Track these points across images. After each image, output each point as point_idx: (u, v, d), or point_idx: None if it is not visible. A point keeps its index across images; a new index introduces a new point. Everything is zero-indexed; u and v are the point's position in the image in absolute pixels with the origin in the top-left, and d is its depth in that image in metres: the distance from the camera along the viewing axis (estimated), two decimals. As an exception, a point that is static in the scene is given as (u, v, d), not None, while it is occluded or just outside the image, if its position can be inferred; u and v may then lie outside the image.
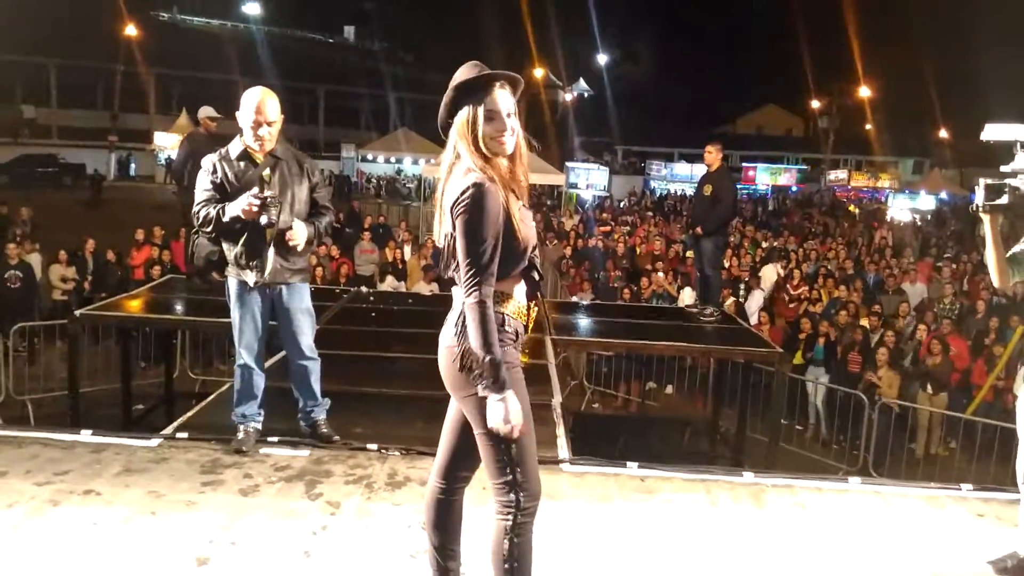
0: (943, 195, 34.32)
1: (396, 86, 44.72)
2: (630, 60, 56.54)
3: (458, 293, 2.15)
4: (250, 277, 3.61)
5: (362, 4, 54.33)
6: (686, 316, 7.81)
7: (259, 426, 3.74)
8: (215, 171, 3.65)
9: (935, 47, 41.12)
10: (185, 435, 3.79)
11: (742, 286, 12.44)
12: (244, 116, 3.62)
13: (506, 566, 2.13)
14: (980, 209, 2.82)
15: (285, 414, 3.89)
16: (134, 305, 6.82)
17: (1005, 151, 2.83)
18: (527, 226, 2.18)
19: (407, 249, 12.77)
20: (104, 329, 8.49)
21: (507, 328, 2.14)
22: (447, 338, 2.18)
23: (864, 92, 42.39)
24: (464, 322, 2.10)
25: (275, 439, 3.76)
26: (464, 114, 2.17)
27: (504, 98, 2.19)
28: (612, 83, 48.86)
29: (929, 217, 31.71)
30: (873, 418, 7.97)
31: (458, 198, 2.09)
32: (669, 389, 10.35)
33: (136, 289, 7.96)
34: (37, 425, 5.30)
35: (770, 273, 13.21)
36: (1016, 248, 2.96)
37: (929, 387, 8.57)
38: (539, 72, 42.22)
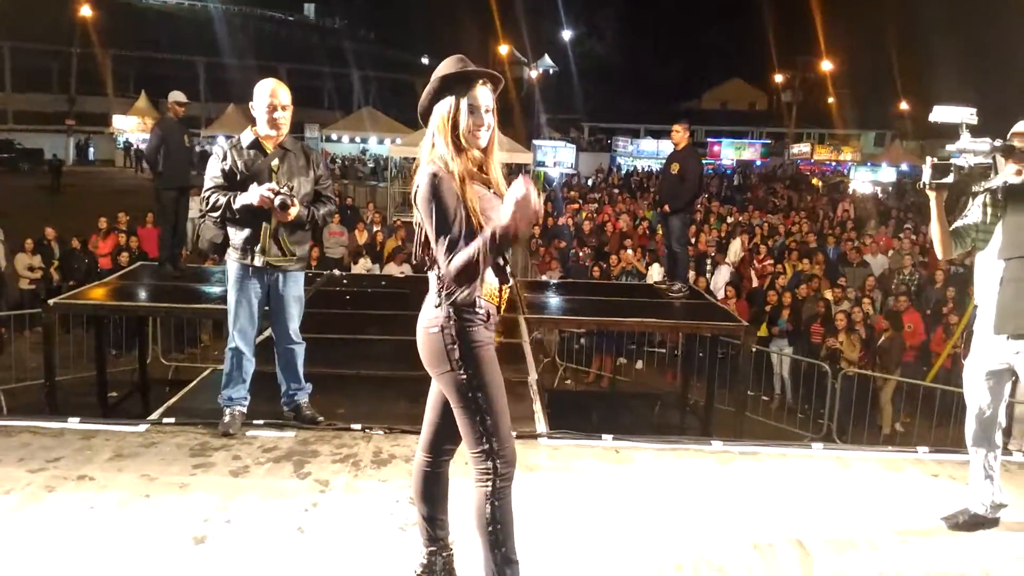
0: (904, 167, 34.95)
1: (359, 64, 44.31)
2: (595, 36, 56.58)
3: (434, 278, 2.28)
4: (258, 259, 3.74)
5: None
6: (655, 292, 8.00)
7: (244, 409, 3.84)
8: (225, 158, 3.78)
9: (896, 20, 41.67)
10: (172, 420, 3.87)
11: (708, 261, 12.69)
12: (259, 103, 3.76)
13: (490, 529, 2.26)
14: (927, 186, 2.99)
15: (267, 397, 3.98)
16: (106, 293, 6.82)
17: (982, 125, 2.99)
18: (493, 214, 2.25)
19: (376, 230, 12.81)
20: (75, 317, 8.45)
21: (478, 309, 2.25)
22: (425, 319, 2.30)
23: (826, 66, 42.92)
24: (444, 305, 2.24)
25: (261, 422, 3.86)
26: (446, 105, 2.28)
27: (485, 95, 2.30)
28: (577, 59, 48.92)
29: (890, 189, 32.37)
30: (836, 387, 8.26)
31: (416, 190, 2.25)
32: (639, 364, 10.58)
33: (105, 277, 7.94)
34: (15, 415, 5.30)
35: (736, 248, 13.48)
36: (958, 223, 3.14)
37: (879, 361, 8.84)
38: (504, 49, 42.09)
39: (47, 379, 6.38)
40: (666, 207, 7.56)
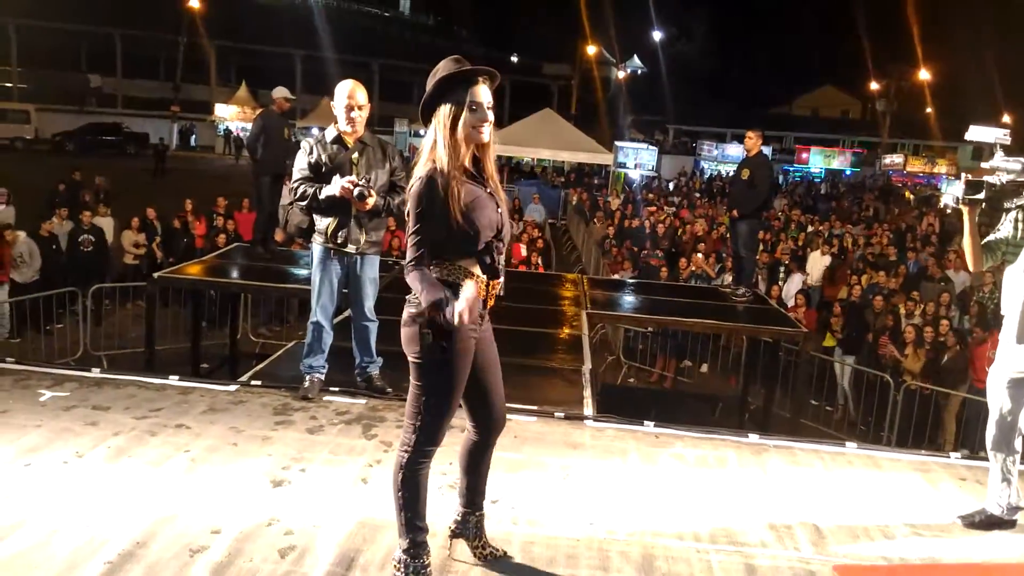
0: (1002, 183, 33.44)
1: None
2: (685, 38, 56.00)
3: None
4: (340, 239, 4.16)
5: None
6: (719, 296, 8.17)
7: (323, 377, 4.29)
8: (312, 152, 4.22)
9: (997, 30, 39.93)
10: (259, 383, 4.34)
11: (782, 269, 12.67)
12: (338, 103, 4.18)
13: (398, 494, 2.47)
14: (959, 202, 3.18)
15: (343, 368, 4.41)
16: (204, 270, 7.43)
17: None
18: (480, 214, 2.39)
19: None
20: (173, 294, 9.16)
21: (454, 294, 2.38)
22: (409, 305, 2.46)
23: (924, 75, 41.47)
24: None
25: (336, 389, 4.29)
26: (449, 103, 2.40)
27: (485, 92, 2.44)
28: (666, 61, 48.55)
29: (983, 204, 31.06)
30: (897, 400, 8.25)
31: (410, 186, 2.41)
32: (704, 367, 10.71)
33: (202, 256, 8.59)
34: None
35: (816, 260, 13.33)
36: (990, 237, 3.31)
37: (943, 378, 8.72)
38: (592, 49, 42.21)
39: (147, 346, 7.02)
40: (735, 212, 7.73)
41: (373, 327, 4.32)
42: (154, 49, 42.68)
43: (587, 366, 5.11)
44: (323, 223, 4.18)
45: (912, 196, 33.67)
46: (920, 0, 37.00)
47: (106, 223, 11.81)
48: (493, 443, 2.69)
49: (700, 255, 11.81)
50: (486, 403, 2.60)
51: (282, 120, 8.03)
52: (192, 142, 40.11)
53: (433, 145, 2.41)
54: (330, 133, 4.26)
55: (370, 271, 4.29)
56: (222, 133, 39.27)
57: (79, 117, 35.13)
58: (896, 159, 43.69)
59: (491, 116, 2.44)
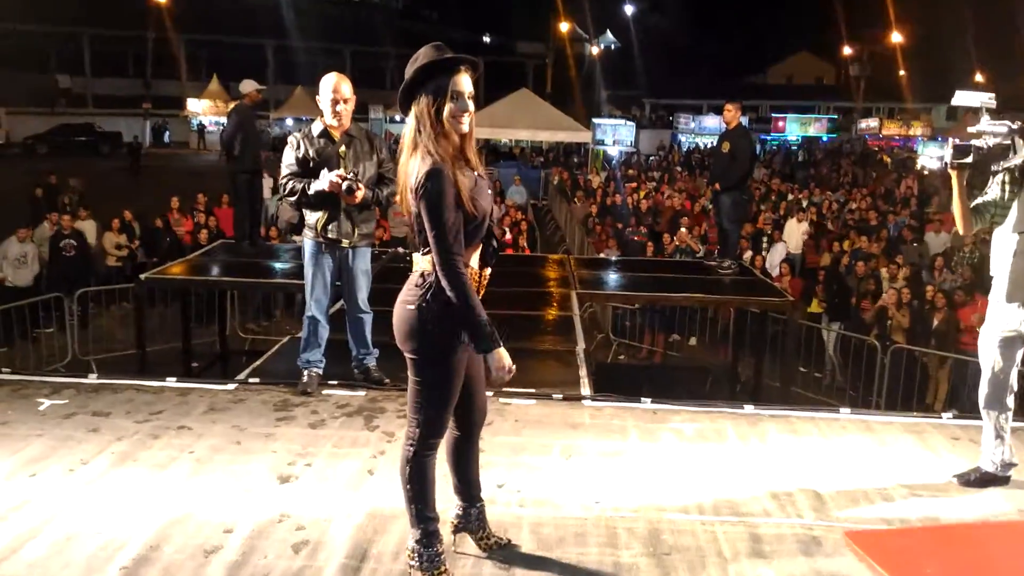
0: (976, 141, 33.74)
1: (421, 44, 44.67)
2: (658, 10, 55.76)
3: (420, 259, 2.43)
4: (330, 236, 4.16)
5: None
6: (705, 269, 8.23)
7: (321, 371, 4.31)
8: (299, 147, 4.22)
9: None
10: (257, 380, 4.36)
11: (764, 239, 12.77)
12: (323, 97, 4.17)
13: (407, 487, 2.50)
14: (948, 166, 3.23)
15: (340, 361, 4.43)
16: (190, 269, 7.40)
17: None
18: (482, 199, 2.39)
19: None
20: (159, 294, 9.10)
21: None
22: (406, 293, 2.44)
23: (897, 38, 41.49)
24: (425, 286, 2.37)
25: (335, 382, 4.32)
26: (430, 92, 2.36)
27: (467, 81, 2.40)
28: (640, 34, 48.38)
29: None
30: (885, 362, 8.37)
31: (418, 184, 2.31)
32: (692, 340, 10.80)
33: (187, 255, 8.53)
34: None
35: (794, 227, 13.46)
36: (978, 200, 3.36)
37: (933, 341, 8.85)
38: (565, 26, 41.99)
39: (139, 347, 6.99)
40: (716, 185, 7.78)
41: (368, 319, 4.33)
42: (122, 46, 42.14)
43: (580, 346, 5.16)
44: (313, 218, 4.19)
45: (889, 160, 33.88)
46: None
47: (87, 226, 11.70)
48: (478, 436, 2.70)
49: (684, 230, 11.87)
50: (471, 395, 2.60)
51: (254, 113, 7.99)
52: (166, 139, 39.66)
53: (418, 135, 2.38)
54: (316, 127, 4.26)
55: (362, 263, 4.31)
56: (196, 128, 38.84)
57: (50, 119, 34.61)
58: (872, 123, 43.81)
59: (472, 106, 2.41)
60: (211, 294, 9.24)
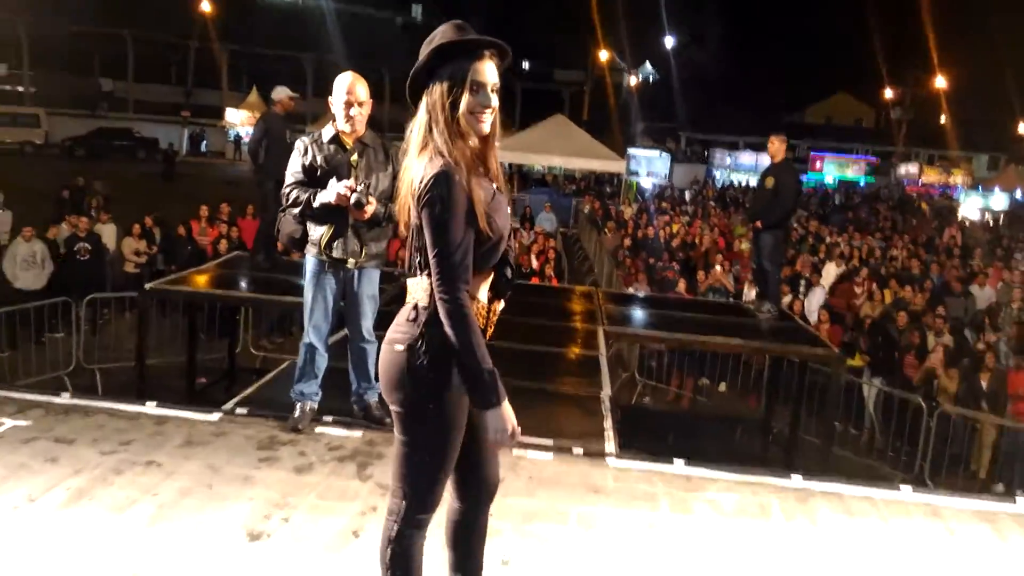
0: (1018, 194, 32.99)
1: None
2: (698, 44, 55.56)
3: (415, 285, 1.98)
4: (335, 255, 3.75)
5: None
6: (742, 312, 7.73)
7: (316, 405, 3.87)
8: (306, 153, 3.81)
9: (1014, 38, 39.35)
10: (244, 411, 3.93)
11: (802, 282, 12.22)
12: (336, 98, 3.76)
13: (387, 573, 2.06)
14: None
15: (338, 393, 4.00)
16: (201, 280, 7.04)
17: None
18: (499, 217, 1.96)
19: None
20: (172, 302, 8.78)
21: None
22: (394, 331, 1.99)
23: (939, 83, 40.81)
24: (420, 322, 1.92)
25: (330, 418, 3.88)
26: (444, 81, 1.93)
27: (491, 70, 1.96)
28: (679, 67, 48.10)
29: (1001, 217, 30.51)
30: (931, 426, 7.78)
31: (423, 188, 1.88)
32: (722, 386, 10.23)
33: (204, 264, 8.22)
34: (105, 395, 5.50)
35: (832, 271, 12.93)
36: None
37: (984, 404, 8.24)
38: (604, 55, 41.85)
39: (137, 362, 6.63)
40: (758, 223, 7.29)
41: (372, 349, 3.89)
42: (166, 54, 42.62)
43: (607, 392, 4.66)
44: (317, 233, 3.76)
45: (928, 207, 33.08)
46: (933, 7, 36.45)
47: (107, 230, 11.49)
48: (486, 514, 2.20)
49: (718, 267, 11.36)
50: (478, 464, 2.11)
51: (286, 122, 7.64)
52: (203, 147, 39.91)
53: (428, 133, 1.94)
54: (327, 132, 3.84)
55: (368, 287, 3.87)
56: (232, 139, 39.06)
57: (90, 121, 34.96)
58: (911, 169, 43.07)
59: (495, 101, 1.96)
60: (224, 307, 8.90)
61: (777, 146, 7.36)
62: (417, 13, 57.90)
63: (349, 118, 3.75)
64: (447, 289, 1.84)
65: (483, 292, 1.99)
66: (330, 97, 3.80)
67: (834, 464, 7.14)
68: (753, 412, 9.38)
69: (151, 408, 3.86)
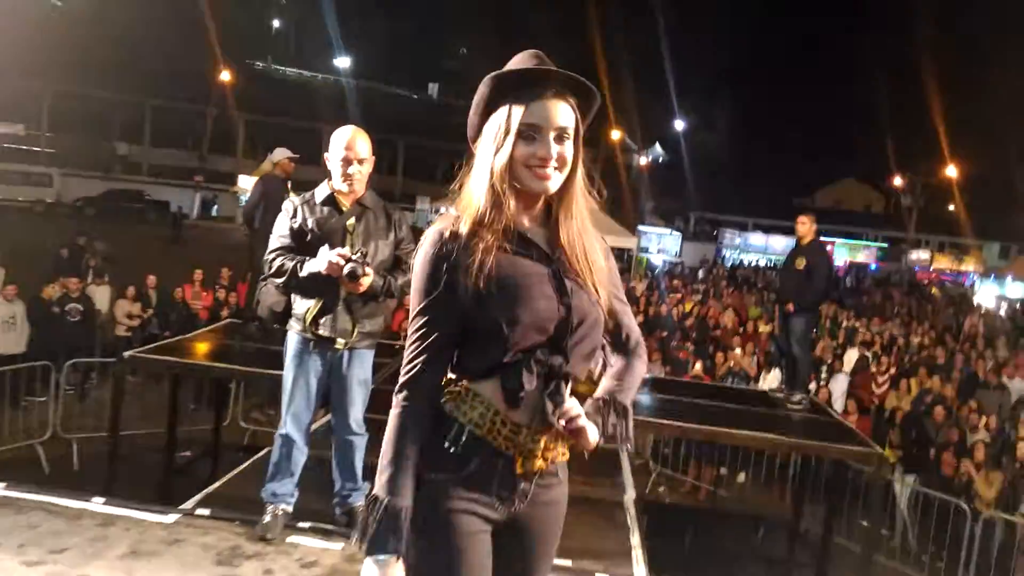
0: (1032, 283, 32.71)
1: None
2: (708, 127, 56.35)
3: None
4: (322, 333, 3.25)
5: (448, 62, 55.85)
6: (770, 401, 7.12)
7: (290, 508, 3.30)
8: (295, 215, 3.35)
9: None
10: (207, 511, 3.36)
11: (824, 368, 11.65)
12: (333, 154, 3.33)
13: None
14: None
15: (318, 493, 3.43)
16: (186, 349, 6.53)
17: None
18: (525, 300, 1.49)
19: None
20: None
21: (456, 447, 1.51)
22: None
23: (950, 171, 41.01)
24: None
25: (306, 525, 3.29)
26: (494, 121, 1.55)
27: (558, 112, 1.52)
28: (688, 149, 48.55)
29: (1018, 306, 29.99)
30: (975, 532, 7.11)
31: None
32: (741, 476, 9.55)
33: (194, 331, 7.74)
34: (66, 476, 4.96)
35: (853, 357, 12.37)
36: None
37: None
38: (616, 134, 42.20)
39: (111, 436, 6.06)
40: (790, 306, 6.79)
41: (360, 443, 3.34)
42: (184, 120, 43.19)
43: (630, 495, 4.07)
44: (303, 306, 3.27)
45: (940, 293, 32.60)
46: (943, 96, 36.83)
47: (100, 292, 11.09)
48: None
49: (738, 350, 10.79)
50: None
51: (285, 186, 7.25)
52: (214, 211, 39.98)
53: (467, 183, 1.58)
54: (320, 192, 3.38)
55: (360, 370, 3.35)
56: (242, 204, 39.19)
57: (103, 183, 35.12)
58: (923, 255, 43.07)
59: (559, 151, 1.52)
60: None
61: (809, 226, 6.94)
62: (434, 91, 59.03)
63: (347, 176, 3.29)
64: (403, 374, 1.53)
65: (489, 390, 1.52)
66: (326, 153, 3.35)
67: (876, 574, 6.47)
68: (777, 508, 8.69)
69: (97, 505, 3.29)
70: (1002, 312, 26.84)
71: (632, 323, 1.72)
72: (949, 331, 18.32)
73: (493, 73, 1.54)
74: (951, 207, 44.00)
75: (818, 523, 7.33)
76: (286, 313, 3.33)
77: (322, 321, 3.25)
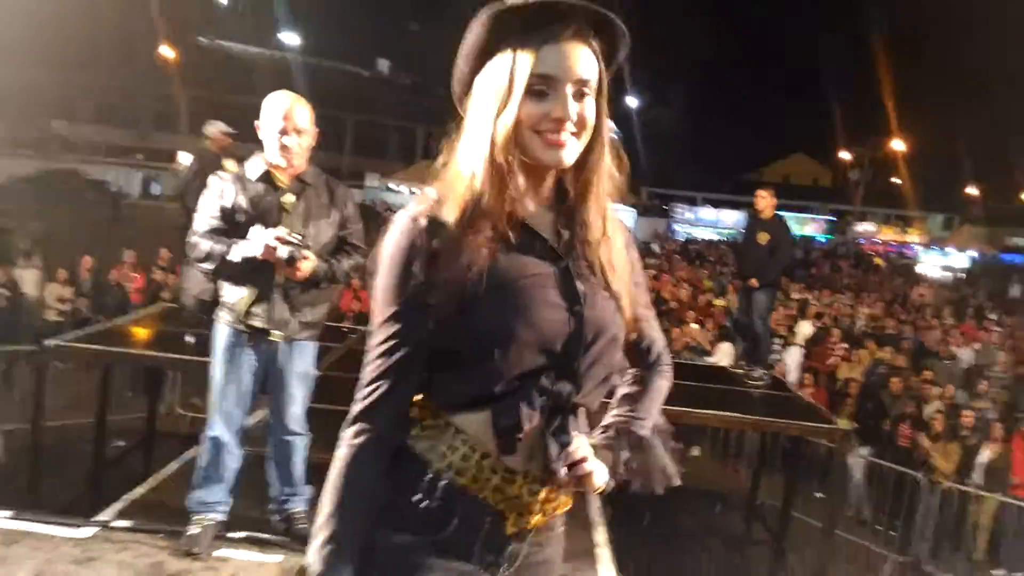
0: (973, 253, 33.60)
1: (426, 120, 44.60)
2: (660, 103, 56.41)
3: None
4: (256, 323, 2.92)
5: (398, 39, 54.87)
6: (730, 378, 6.99)
7: (222, 517, 2.98)
8: (224, 193, 2.97)
9: (968, 102, 40.68)
10: (127, 523, 3.03)
11: (778, 341, 11.65)
12: (267, 124, 2.95)
13: None
14: None
15: (253, 500, 3.13)
16: (118, 335, 6.12)
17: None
18: (527, 306, 1.14)
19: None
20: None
21: (430, 500, 1.17)
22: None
23: (896, 145, 41.80)
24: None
25: (241, 535, 2.98)
26: (493, 72, 1.17)
27: (581, 59, 1.16)
28: (640, 126, 48.62)
29: (963, 275, 30.79)
30: (932, 504, 7.13)
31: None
32: (695, 450, 9.45)
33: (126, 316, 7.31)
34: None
35: (805, 329, 12.40)
36: None
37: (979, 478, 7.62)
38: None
39: (33, 426, 5.63)
40: (753, 281, 6.65)
41: (301, 443, 3.04)
42: (124, 97, 41.79)
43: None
44: (234, 295, 2.94)
45: (884, 263, 33.30)
46: (891, 71, 37.44)
47: (28, 275, 10.49)
48: None
49: (695, 325, 10.70)
50: None
51: (219, 162, 6.83)
52: (155, 191, 38.76)
53: (454, 155, 1.22)
54: (254, 167, 3.03)
55: (300, 363, 3.03)
56: (185, 183, 38.09)
57: (38, 163, 33.70)
58: (869, 227, 44.05)
59: (579, 110, 1.17)
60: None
61: (768, 200, 6.83)
62: (384, 67, 57.91)
63: (284, 148, 2.93)
64: (359, 403, 1.18)
65: (478, 424, 1.17)
66: (257, 122, 3.00)
67: (823, 542, 6.40)
68: (733, 482, 8.62)
69: (2, 520, 2.93)
70: (946, 282, 27.48)
71: (657, 333, 1.41)
72: (896, 301, 18.63)
73: (491, 6, 1.16)
74: (896, 180, 44.94)
75: (774, 497, 7.27)
76: (215, 302, 2.99)
77: (257, 311, 2.92)
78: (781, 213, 7.03)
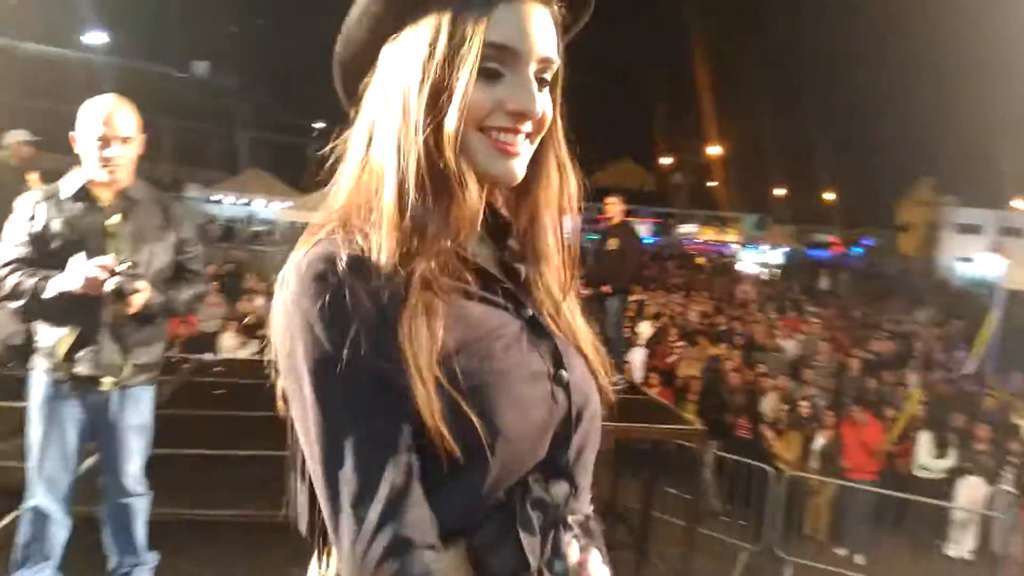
0: (785, 250, 36.45)
1: (249, 125, 42.63)
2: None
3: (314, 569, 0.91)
4: (83, 366, 2.47)
5: (216, 41, 52.17)
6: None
7: (49, 601, 2.53)
8: (34, 215, 2.50)
9: (772, 111, 44.29)
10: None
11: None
12: (85, 132, 2.51)
13: None
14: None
15: (93, 565, 2.69)
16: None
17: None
18: (508, 386, 0.82)
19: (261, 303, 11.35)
20: None
21: None
22: None
23: (711, 151, 44.87)
24: None
25: (72, 620, 2.55)
26: (417, 38, 0.82)
27: (546, 27, 0.85)
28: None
29: (778, 271, 33.30)
30: (779, 493, 7.48)
31: (275, 303, 0.83)
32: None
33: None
34: None
35: (646, 329, 12.83)
36: None
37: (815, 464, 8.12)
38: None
39: None
40: (605, 287, 6.71)
41: (140, 505, 2.62)
42: None
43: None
44: (52, 337, 2.49)
45: (705, 261, 35.54)
46: (706, 80, 40.18)
47: None
48: None
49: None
50: None
51: (21, 177, 6.05)
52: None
53: (364, 169, 0.85)
54: (70, 183, 2.58)
55: (135, 415, 2.61)
56: (-21, 199, 34.27)
57: None
58: (691, 228, 46.79)
59: (543, 104, 0.86)
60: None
61: (617, 206, 6.96)
62: (203, 70, 54.97)
63: (105, 161, 2.51)
64: (352, 547, 0.75)
65: (455, 570, 0.81)
66: (72, 132, 2.56)
67: (674, 536, 6.54)
68: (593, 489, 8.69)
69: None
70: (764, 278, 29.59)
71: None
72: (723, 299, 19.77)
73: None
74: (714, 183, 48.21)
75: (632, 499, 7.37)
76: (27, 347, 2.52)
77: (80, 355, 2.48)
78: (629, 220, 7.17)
